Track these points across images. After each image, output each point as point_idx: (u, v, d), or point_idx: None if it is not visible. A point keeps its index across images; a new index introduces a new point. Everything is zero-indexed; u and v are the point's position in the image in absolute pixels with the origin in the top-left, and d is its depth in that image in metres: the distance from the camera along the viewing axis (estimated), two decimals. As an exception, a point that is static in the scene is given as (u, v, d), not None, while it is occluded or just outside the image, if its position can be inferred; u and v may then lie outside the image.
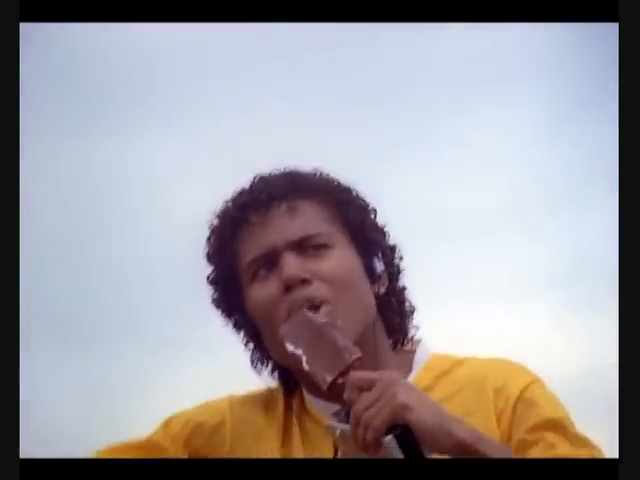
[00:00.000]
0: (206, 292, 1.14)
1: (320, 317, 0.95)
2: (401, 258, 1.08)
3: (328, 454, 0.99)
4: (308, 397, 1.05)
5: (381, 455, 0.89)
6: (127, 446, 1.12)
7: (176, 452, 1.07)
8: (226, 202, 1.06)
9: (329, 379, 0.90)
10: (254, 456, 1.04)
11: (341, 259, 1.00)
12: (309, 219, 1.02)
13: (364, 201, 1.07)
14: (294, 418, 1.05)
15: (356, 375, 0.90)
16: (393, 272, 1.08)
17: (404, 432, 0.88)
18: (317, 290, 0.99)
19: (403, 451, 0.90)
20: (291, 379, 1.08)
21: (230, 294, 1.05)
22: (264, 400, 1.08)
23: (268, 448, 1.04)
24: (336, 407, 0.97)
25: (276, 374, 1.10)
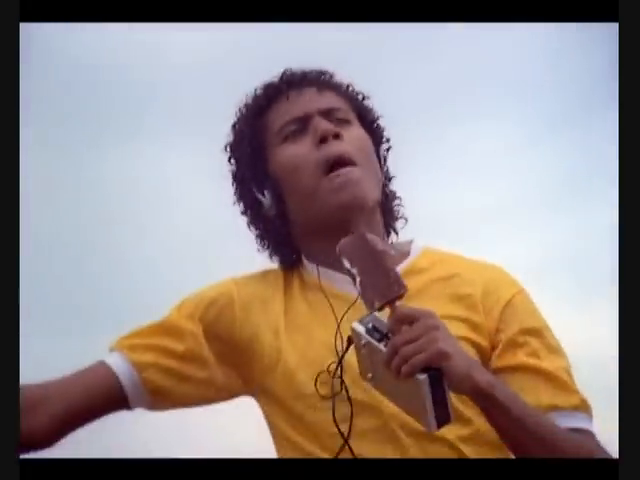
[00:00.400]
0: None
1: (379, 244, 1.00)
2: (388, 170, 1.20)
3: (330, 319, 1.05)
4: (312, 269, 1.14)
5: (406, 385, 0.94)
6: (145, 330, 1.14)
7: (191, 328, 1.11)
8: (255, 89, 1.16)
9: (377, 305, 0.97)
10: (262, 325, 1.10)
11: (360, 133, 1.14)
12: (334, 99, 1.15)
13: (373, 107, 1.20)
14: (296, 290, 1.12)
15: (402, 309, 0.96)
16: (386, 175, 1.19)
17: (438, 375, 0.95)
18: (348, 147, 1.09)
19: (432, 390, 0.95)
20: (291, 256, 1.18)
21: (254, 165, 1.12)
22: (264, 278, 1.17)
23: (273, 317, 1.11)
24: (340, 275, 1.06)
25: (278, 252, 1.18)
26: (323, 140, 1.09)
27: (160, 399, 1.14)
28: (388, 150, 1.20)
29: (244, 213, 1.19)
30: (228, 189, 1.25)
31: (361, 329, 0.99)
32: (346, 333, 1.03)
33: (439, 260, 1.16)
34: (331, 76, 1.20)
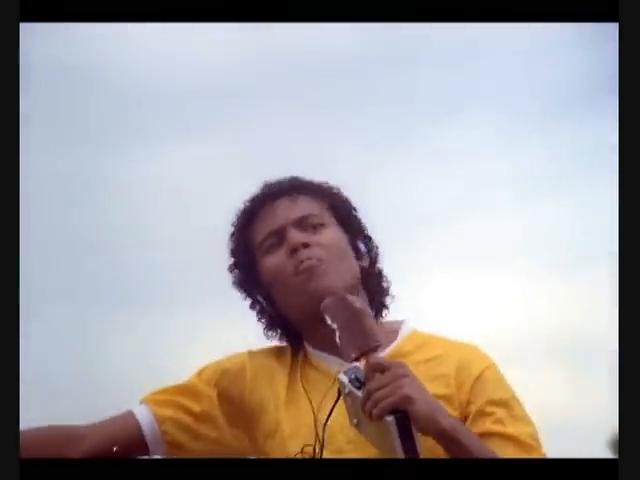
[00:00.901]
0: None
1: (357, 303, 1.15)
2: (377, 247, 1.34)
3: (322, 394, 1.19)
4: (310, 350, 1.29)
5: (379, 426, 1.08)
6: (170, 389, 1.31)
7: (208, 392, 1.27)
8: (243, 203, 1.33)
9: (353, 356, 1.11)
10: (267, 395, 1.25)
11: (333, 234, 1.28)
12: (307, 205, 1.29)
13: (347, 198, 1.33)
14: (298, 367, 1.28)
15: (375, 359, 1.10)
16: (372, 255, 1.32)
17: (403, 417, 1.07)
18: (315, 251, 1.25)
19: (399, 430, 1.07)
20: (296, 339, 1.32)
21: (248, 274, 1.30)
22: (276, 353, 1.32)
23: (277, 389, 1.25)
24: (333, 358, 1.24)
25: (284, 338, 1.34)
26: (293, 252, 1.24)
27: (175, 450, 1.30)
28: (366, 237, 1.33)
29: (252, 308, 1.35)
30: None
31: (345, 379, 1.12)
32: (329, 407, 1.17)
33: (423, 343, 1.29)
34: (302, 183, 1.32)
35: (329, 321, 1.13)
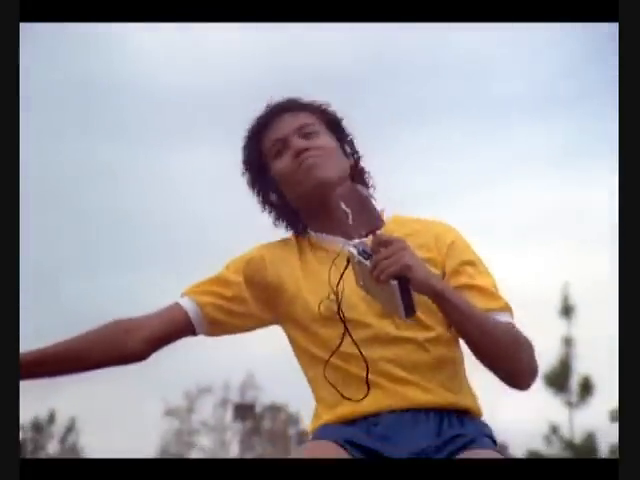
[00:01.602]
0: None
1: (364, 191, 1.41)
2: (358, 153, 1.63)
3: (333, 268, 1.44)
4: (314, 235, 1.60)
5: (384, 288, 1.32)
6: (205, 281, 1.59)
7: (236, 280, 1.57)
8: (252, 120, 1.62)
9: (363, 233, 1.35)
10: (285, 273, 1.55)
11: (326, 139, 1.58)
12: (304, 118, 1.59)
13: (335, 111, 1.63)
14: (307, 250, 1.58)
15: (381, 235, 1.36)
16: (355, 156, 1.62)
17: (404, 281, 1.32)
18: (313, 152, 1.54)
19: (401, 291, 1.31)
20: (300, 225, 1.62)
21: (260, 174, 1.61)
22: (284, 243, 1.62)
23: (293, 268, 1.56)
24: (334, 238, 1.54)
25: (291, 226, 1.63)
26: (296, 155, 1.54)
27: (215, 328, 1.58)
28: (351, 141, 1.63)
29: (262, 205, 1.64)
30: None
31: (354, 251, 1.36)
32: (338, 276, 1.43)
33: (404, 223, 1.60)
34: (298, 101, 1.62)
35: (342, 205, 1.38)
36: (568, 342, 12.71)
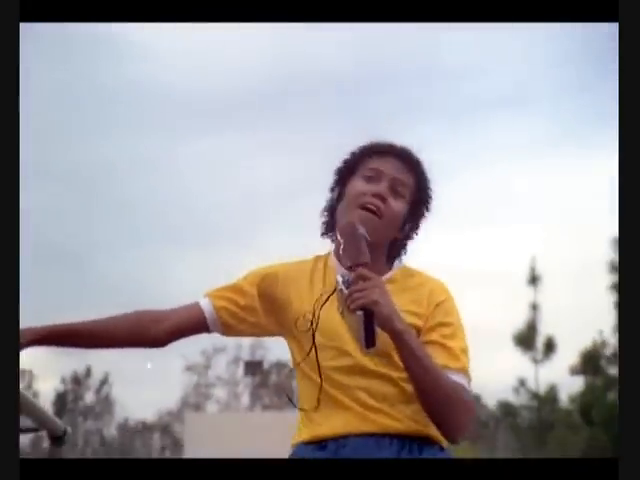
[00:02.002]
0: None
1: (361, 229, 1.56)
2: (417, 231, 1.76)
3: (324, 293, 1.62)
4: (332, 259, 1.73)
5: (354, 318, 1.49)
6: (225, 287, 1.76)
7: (251, 291, 1.72)
8: (375, 142, 1.76)
9: (347, 264, 1.53)
10: (292, 294, 1.70)
11: (401, 207, 1.69)
12: (406, 175, 1.71)
13: (430, 186, 1.76)
14: (321, 271, 1.73)
15: (361, 270, 1.51)
16: (409, 234, 1.75)
17: (369, 314, 1.47)
18: (383, 207, 1.65)
19: (364, 322, 1.47)
20: (330, 231, 1.76)
21: (347, 175, 1.74)
22: (299, 264, 1.77)
23: (302, 288, 1.70)
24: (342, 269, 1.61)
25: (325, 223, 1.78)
26: (376, 196, 1.66)
27: (227, 330, 1.74)
28: (418, 217, 1.74)
29: (330, 190, 1.78)
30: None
31: (340, 279, 1.53)
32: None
33: (408, 275, 1.74)
34: (413, 157, 1.74)
35: (338, 237, 1.59)
36: (535, 307, 15.13)
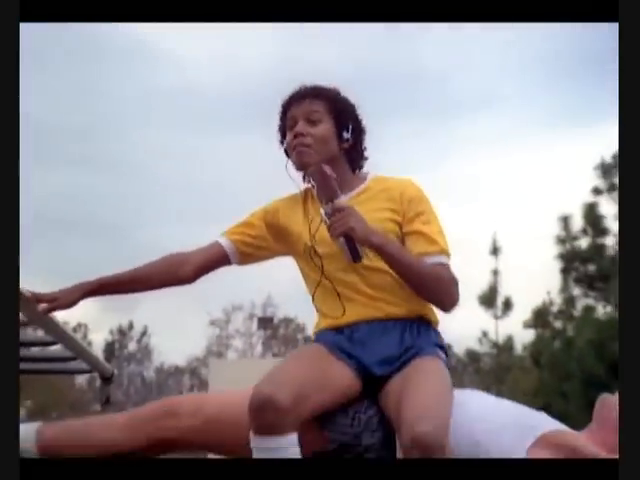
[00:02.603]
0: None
1: (328, 170, 1.83)
2: (362, 132, 2.05)
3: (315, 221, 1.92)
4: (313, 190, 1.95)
5: (337, 241, 1.79)
6: (238, 224, 2.07)
7: (259, 224, 2.05)
8: (285, 97, 2.05)
9: (324, 201, 1.81)
10: (292, 220, 2.01)
11: (325, 127, 1.97)
12: (316, 106, 1.98)
13: (347, 100, 2.04)
14: (310, 201, 2.02)
15: (337, 203, 1.79)
16: (355, 139, 2.02)
17: (348, 239, 1.77)
18: (306, 140, 1.95)
19: (347, 244, 1.77)
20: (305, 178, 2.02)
21: (283, 137, 2.04)
22: (293, 198, 2.07)
23: (298, 216, 2.01)
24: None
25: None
26: (295, 136, 1.96)
27: (245, 258, 2.05)
28: (348, 124, 2.00)
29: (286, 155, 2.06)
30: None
31: (322, 212, 1.81)
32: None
33: (381, 181, 2.02)
34: (321, 89, 2.03)
35: (311, 181, 1.87)
36: (495, 273, 18.45)
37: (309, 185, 1.93)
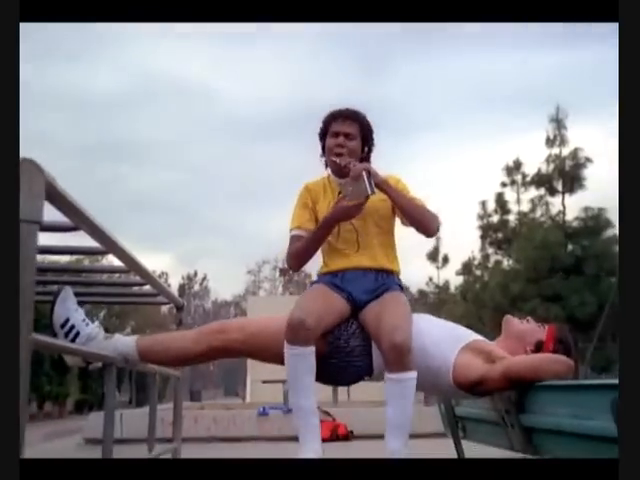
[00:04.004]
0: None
1: (360, 166, 2.62)
2: (373, 147, 2.88)
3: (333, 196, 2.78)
4: (332, 177, 2.87)
5: (355, 186, 2.57)
6: (300, 213, 2.81)
7: (307, 201, 2.81)
8: (327, 115, 2.87)
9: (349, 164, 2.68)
10: (317, 198, 2.80)
11: (356, 144, 2.78)
12: (352, 128, 2.78)
13: (370, 125, 2.86)
14: (328, 184, 2.84)
15: (357, 167, 2.60)
16: (368, 151, 2.87)
17: (368, 173, 2.55)
18: (344, 150, 2.74)
19: (367, 177, 2.53)
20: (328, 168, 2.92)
21: (322, 140, 2.84)
22: (319, 181, 2.88)
23: (320, 194, 2.80)
24: (340, 180, 2.78)
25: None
26: (336, 146, 2.78)
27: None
28: (368, 143, 2.87)
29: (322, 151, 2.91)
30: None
31: (342, 181, 2.67)
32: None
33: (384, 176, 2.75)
34: (357, 114, 2.84)
35: (347, 180, 2.62)
36: (437, 239, 29.58)
37: (332, 175, 2.82)
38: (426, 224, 2.64)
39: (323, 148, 2.80)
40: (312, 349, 2.37)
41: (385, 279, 2.66)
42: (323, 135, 2.80)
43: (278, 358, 2.47)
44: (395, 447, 2.15)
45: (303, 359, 2.37)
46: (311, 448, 2.19)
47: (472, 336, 2.55)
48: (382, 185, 2.58)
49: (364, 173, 2.50)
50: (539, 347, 2.47)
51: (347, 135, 2.74)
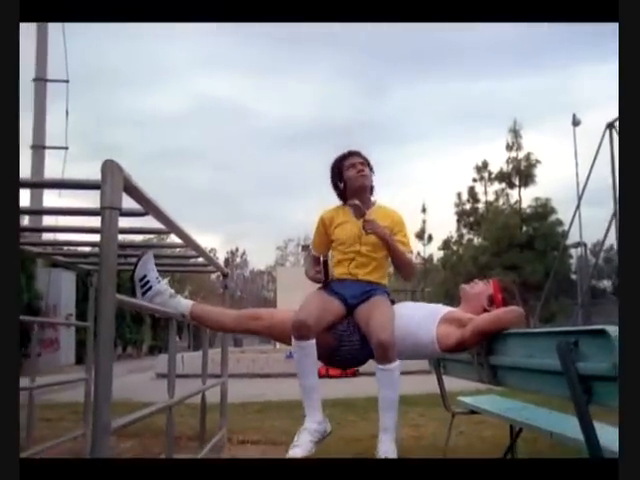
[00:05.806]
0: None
1: (357, 202, 3.35)
2: (372, 169, 3.56)
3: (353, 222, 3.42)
4: (346, 208, 3.49)
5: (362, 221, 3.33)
6: (317, 237, 3.59)
7: (323, 228, 3.46)
8: (338, 156, 3.57)
9: (357, 217, 3.36)
10: (332, 224, 3.44)
11: (368, 171, 3.48)
12: (361, 160, 3.46)
13: (369, 161, 3.56)
14: (341, 211, 3.47)
15: (368, 217, 3.31)
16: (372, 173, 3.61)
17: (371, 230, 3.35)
18: (365, 173, 3.46)
19: (368, 232, 3.30)
20: (344, 199, 3.55)
21: (338, 176, 3.48)
22: (334, 209, 3.50)
23: (335, 221, 3.42)
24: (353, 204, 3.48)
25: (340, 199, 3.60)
26: (359, 172, 3.42)
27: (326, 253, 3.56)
28: (372, 171, 3.52)
29: (335, 189, 3.50)
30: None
31: (353, 205, 3.38)
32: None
33: (379, 207, 3.43)
34: (360, 152, 3.48)
35: (353, 204, 3.30)
36: (424, 221, 37.29)
37: (348, 205, 3.36)
38: (405, 274, 3.37)
39: (338, 192, 3.46)
40: (313, 342, 2.99)
41: (374, 287, 3.31)
42: (339, 176, 3.45)
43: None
44: (388, 424, 2.75)
45: (305, 350, 2.98)
46: (313, 419, 2.86)
47: (443, 309, 3.12)
48: (384, 238, 3.22)
49: (369, 230, 3.25)
50: (491, 300, 3.12)
51: (361, 164, 3.41)
